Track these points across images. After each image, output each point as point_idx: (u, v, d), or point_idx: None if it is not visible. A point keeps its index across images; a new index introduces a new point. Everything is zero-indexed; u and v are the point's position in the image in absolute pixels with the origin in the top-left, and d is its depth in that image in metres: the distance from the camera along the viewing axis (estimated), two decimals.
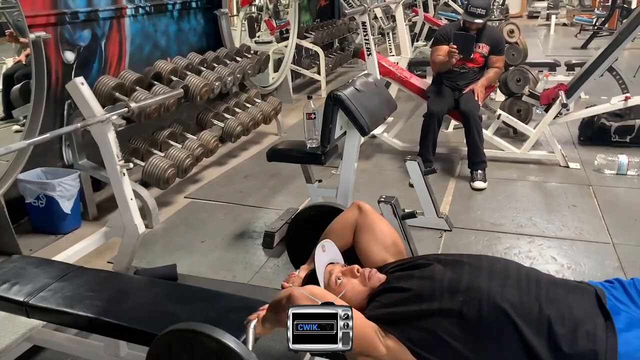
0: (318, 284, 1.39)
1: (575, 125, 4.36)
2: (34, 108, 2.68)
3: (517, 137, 4.28)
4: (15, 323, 1.75)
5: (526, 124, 4.19)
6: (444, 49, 3.54)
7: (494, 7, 6.66)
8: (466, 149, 3.63)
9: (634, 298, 1.23)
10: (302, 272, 1.57)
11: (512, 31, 4.49)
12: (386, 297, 1.31)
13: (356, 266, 1.43)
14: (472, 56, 3.59)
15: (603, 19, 9.69)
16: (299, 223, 1.96)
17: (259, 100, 4.52)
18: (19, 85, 3.03)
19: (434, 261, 1.37)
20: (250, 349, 1.21)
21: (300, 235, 1.92)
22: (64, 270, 1.81)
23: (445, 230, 2.88)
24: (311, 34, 6.38)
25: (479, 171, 3.51)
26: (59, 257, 2.19)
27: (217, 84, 3.68)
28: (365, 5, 3.49)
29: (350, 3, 3.44)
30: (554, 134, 3.92)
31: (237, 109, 4.19)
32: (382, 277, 1.39)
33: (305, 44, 6.15)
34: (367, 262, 1.52)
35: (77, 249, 2.29)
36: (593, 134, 4.15)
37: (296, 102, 6.04)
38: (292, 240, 1.99)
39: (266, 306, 1.35)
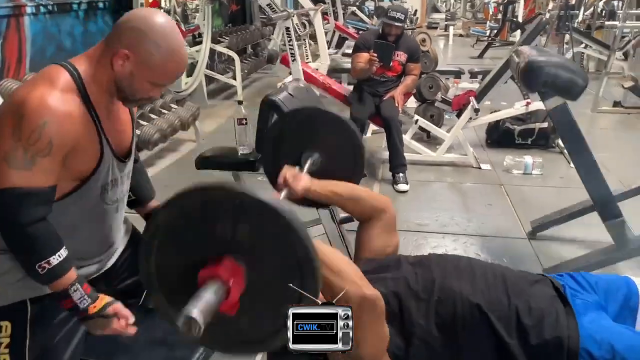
0: None
1: (481, 129, 4.66)
2: None
3: (430, 141, 4.51)
4: None
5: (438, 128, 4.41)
6: (364, 56, 3.63)
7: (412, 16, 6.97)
8: (386, 152, 3.75)
9: (584, 286, 1.33)
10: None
11: (424, 40, 4.72)
12: None
13: None
14: (391, 64, 3.72)
15: (496, 30, 10.51)
16: (289, 124, 1.69)
17: (175, 106, 4.34)
18: None
19: (402, 261, 1.39)
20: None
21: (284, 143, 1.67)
22: None
23: None
24: (225, 38, 6.26)
25: (401, 174, 3.63)
26: None
27: None
28: (289, 10, 3.49)
29: (267, 9, 3.40)
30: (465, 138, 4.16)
31: (152, 115, 3.99)
32: None
33: (220, 48, 6.02)
34: (364, 250, 1.49)
35: None
36: (499, 136, 4.47)
37: (212, 107, 5.90)
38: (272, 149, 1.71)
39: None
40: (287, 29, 3.30)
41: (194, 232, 0.95)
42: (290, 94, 2.40)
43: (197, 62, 5.64)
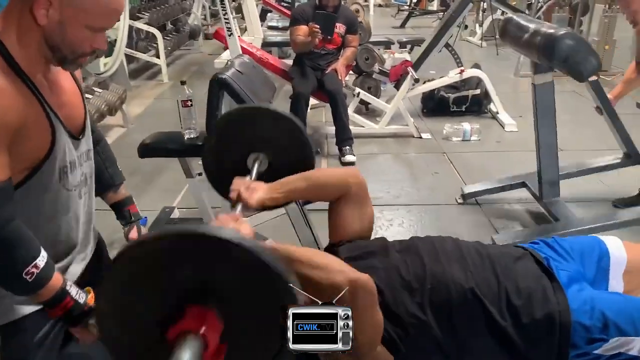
0: None
1: (415, 99, 4.69)
2: None
3: (369, 113, 4.51)
4: None
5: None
6: (303, 29, 3.51)
7: None
8: (328, 127, 3.67)
9: (561, 254, 1.34)
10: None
11: (357, 10, 4.66)
12: None
13: None
14: (331, 36, 3.62)
15: (415, 0, 10.66)
16: (227, 128, 1.54)
17: (99, 90, 4.01)
18: None
19: (389, 248, 1.33)
20: None
21: (228, 145, 1.53)
22: None
23: None
24: (144, 14, 5.85)
25: (347, 147, 3.60)
26: None
27: None
28: None
29: None
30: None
31: None
32: None
33: (140, 25, 5.63)
34: (339, 230, 1.41)
35: None
36: (434, 105, 4.55)
37: (135, 89, 5.54)
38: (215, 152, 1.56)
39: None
40: (222, 1, 3.10)
41: (152, 287, 0.85)
42: (238, 70, 2.27)
43: (116, 41, 5.24)
